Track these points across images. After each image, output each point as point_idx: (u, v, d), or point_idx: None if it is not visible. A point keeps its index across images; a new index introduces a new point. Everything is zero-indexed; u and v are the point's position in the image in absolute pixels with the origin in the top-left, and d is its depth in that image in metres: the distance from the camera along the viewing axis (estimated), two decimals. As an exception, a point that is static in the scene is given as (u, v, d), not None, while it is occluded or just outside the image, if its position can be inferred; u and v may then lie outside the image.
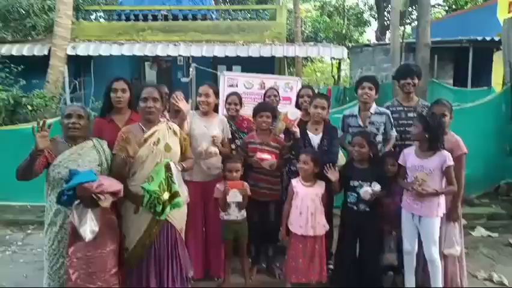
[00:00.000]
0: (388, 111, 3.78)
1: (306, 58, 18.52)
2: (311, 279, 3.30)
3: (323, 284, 3.34)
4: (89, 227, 2.53)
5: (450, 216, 3.32)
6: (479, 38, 9.55)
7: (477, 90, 8.57)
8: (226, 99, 4.05)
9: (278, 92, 4.45)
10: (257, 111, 3.70)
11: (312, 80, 27.75)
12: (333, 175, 3.29)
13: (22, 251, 4.39)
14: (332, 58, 14.66)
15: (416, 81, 3.80)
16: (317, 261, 3.32)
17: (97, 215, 2.58)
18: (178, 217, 2.97)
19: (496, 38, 9.23)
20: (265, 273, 3.83)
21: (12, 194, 5.21)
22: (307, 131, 3.61)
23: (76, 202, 2.53)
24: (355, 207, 3.32)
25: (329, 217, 3.55)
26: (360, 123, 3.76)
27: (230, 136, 3.75)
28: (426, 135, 3.08)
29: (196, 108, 3.77)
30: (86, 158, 2.74)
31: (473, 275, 3.78)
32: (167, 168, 2.77)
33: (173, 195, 2.78)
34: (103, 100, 3.33)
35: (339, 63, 19.11)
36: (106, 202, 2.57)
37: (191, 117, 3.57)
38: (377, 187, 3.19)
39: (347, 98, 11.87)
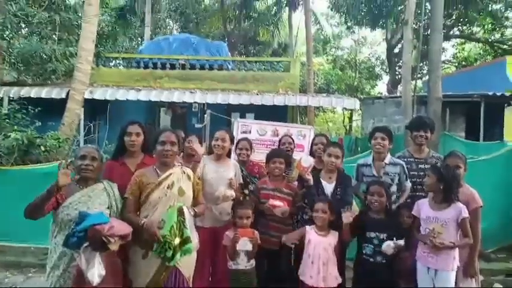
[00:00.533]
0: (403, 162, 3.77)
1: (318, 108, 18.81)
2: None
3: None
4: (97, 271, 2.47)
5: (467, 271, 3.21)
6: (490, 93, 9.62)
7: (489, 143, 8.51)
8: (237, 144, 4.06)
9: (293, 140, 4.47)
10: (271, 157, 3.69)
11: (323, 129, 28.04)
12: (346, 218, 3.22)
13: (21, 295, 4.26)
14: (344, 109, 14.87)
15: (429, 134, 3.82)
16: None
17: (103, 259, 2.53)
18: (186, 264, 2.89)
19: (507, 94, 9.30)
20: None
21: (15, 234, 5.09)
22: (320, 179, 3.58)
23: (85, 245, 2.48)
24: (371, 259, 3.21)
25: (342, 269, 3.42)
26: (375, 172, 3.73)
27: (241, 181, 3.72)
28: (441, 186, 3.05)
29: (209, 153, 3.79)
30: (96, 200, 2.73)
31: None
32: (180, 212, 2.74)
33: (185, 240, 2.72)
34: (116, 143, 3.35)
35: (351, 114, 19.33)
36: (115, 245, 2.54)
37: (204, 161, 3.58)
38: (399, 242, 3.11)
39: (359, 148, 11.88)
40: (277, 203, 3.47)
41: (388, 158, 3.74)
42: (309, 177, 3.50)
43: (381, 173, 3.71)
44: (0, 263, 5.04)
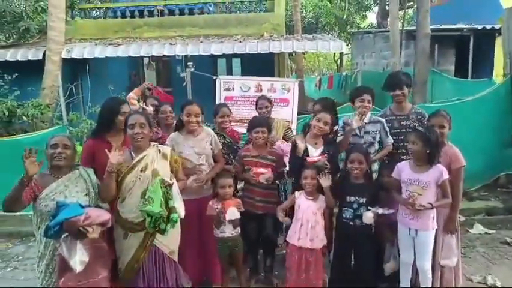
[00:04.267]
0: (382, 120, 3.79)
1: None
2: None
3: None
4: (78, 258, 2.54)
5: (448, 228, 3.34)
6: (480, 27, 9.33)
7: (478, 81, 8.44)
8: (216, 111, 3.99)
9: (270, 102, 4.35)
10: (253, 126, 3.66)
11: (315, 65, 27.53)
12: (324, 182, 3.27)
13: (23, 266, 4.43)
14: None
15: (406, 90, 3.81)
16: (313, 274, 3.35)
17: (85, 245, 2.59)
18: (167, 241, 2.98)
19: (497, 26, 9.01)
20: (264, 283, 3.84)
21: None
22: (306, 143, 3.55)
23: (64, 235, 2.55)
24: (351, 223, 3.30)
25: (330, 230, 3.51)
26: (357, 132, 3.74)
27: (220, 147, 3.68)
28: (427, 151, 3.06)
29: (177, 127, 3.61)
30: (73, 188, 2.74)
31: (468, 278, 3.82)
32: (163, 183, 2.79)
33: (170, 210, 2.79)
34: (99, 120, 3.26)
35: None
36: (94, 233, 2.60)
37: (175, 140, 3.50)
38: (378, 210, 3.18)
39: (348, 85, 11.75)
40: (260, 170, 3.51)
41: (368, 117, 3.73)
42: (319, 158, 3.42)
43: (362, 132, 3.73)
44: (1, 233, 5.22)
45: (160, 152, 3.01)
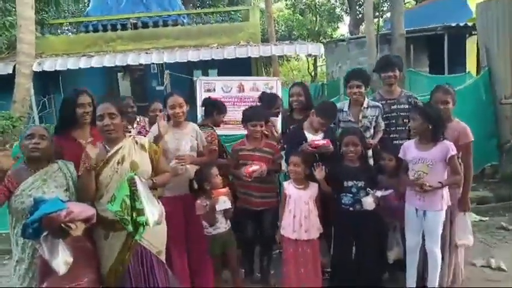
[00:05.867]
0: (380, 105, 3.72)
1: (281, 57, 18.44)
2: (304, 284, 3.16)
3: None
4: (62, 259, 2.27)
5: (462, 206, 3.24)
6: (453, 25, 9.60)
7: (454, 76, 8.60)
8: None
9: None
10: (249, 119, 3.45)
11: (289, 78, 27.81)
12: (318, 174, 3.14)
13: (-3, 286, 4.06)
14: (308, 56, 14.57)
15: (397, 73, 3.77)
16: (311, 267, 3.19)
17: (69, 245, 2.32)
18: (154, 240, 2.69)
19: (469, 23, 9.30)
20: (261, 284, 3.65)
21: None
22: (304, 131, 3.46)
23: (44, 234, 2.25)
24: (351, 208, 3.16)
25: (325, 218, 3.33)
26: (351, 118, 3.67)
27: (205, 143, 3.48)
28: (429, 127, 2.93)
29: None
30: (52, 183, 2.48)
31: (471, 263, 3.73)
32: (132, 183, 2.45)
33: (138, 213, 2.46)
34: (60, 115, 3.02)
35: (315, 60, 19.13)
36: (78, 231, 2.33)
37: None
38: (377, 193, 3.06)
39: (325, 94, 11.82)
40: (252, 168, 3.29)
41: (366, 102, 3.68)
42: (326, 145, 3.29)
43: (360, 117, 3.65)
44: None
45: (137, 143, 2.70)
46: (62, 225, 2.26)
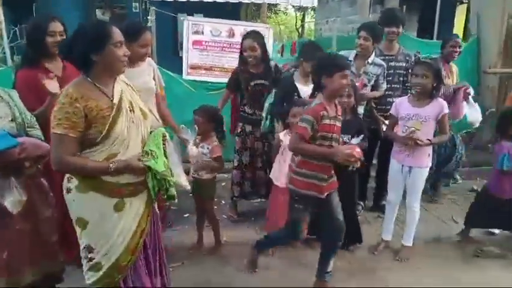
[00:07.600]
0: (385, 64, 3.63)
1: (269, 9, 17.83)
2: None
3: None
4: (14, 198, 2.14)
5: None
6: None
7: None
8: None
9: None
10: (340, 67, 2.45)
11: (275, 32, 27.15)
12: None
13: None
14: (298, 9, 14.06)
15: (401, 29, 3.72)
16: None
17: (22, 183, 2.19)
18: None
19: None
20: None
21: None
22: (295, 82, 3.37)
23: None
24: None
25: None
26: (354, 70, 3.56)
27: (163, 84, 3.18)
28: (434, 84, 2.95)
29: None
30: None
31: (443, 221, 3.98)
32: (164, 139, 2.11)
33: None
34: (29, 45, 2.72)
35: (303, 16, 18.61)
36: (32, 169, 2.21)
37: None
38: (353, 140, 3.02)
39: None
40: (358, 150, 2.52)
41: (372, 58, 3.58)
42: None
43: (361, 71, 3.58)
44: None
45: (128, 85, 2.13)
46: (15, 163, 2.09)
